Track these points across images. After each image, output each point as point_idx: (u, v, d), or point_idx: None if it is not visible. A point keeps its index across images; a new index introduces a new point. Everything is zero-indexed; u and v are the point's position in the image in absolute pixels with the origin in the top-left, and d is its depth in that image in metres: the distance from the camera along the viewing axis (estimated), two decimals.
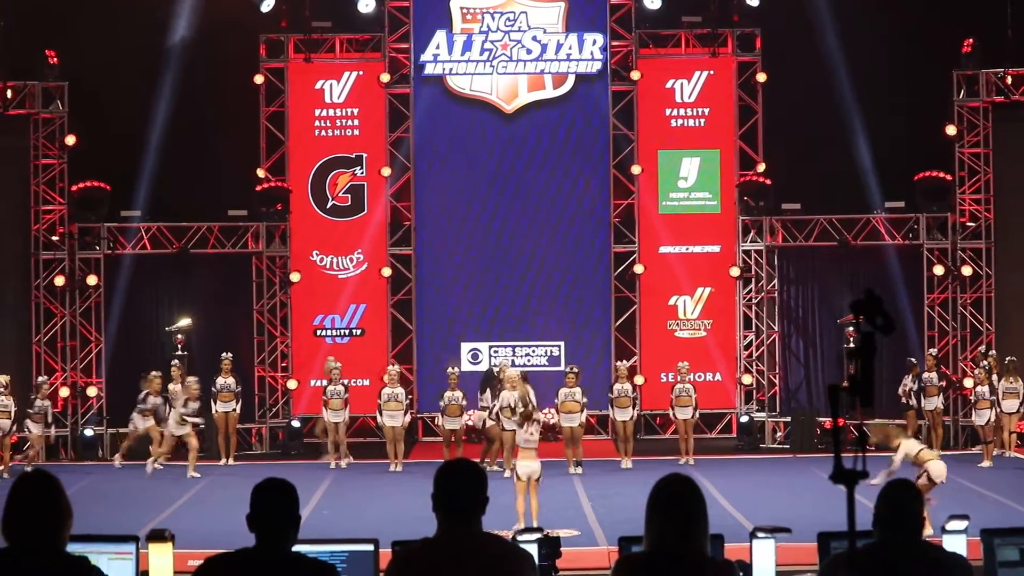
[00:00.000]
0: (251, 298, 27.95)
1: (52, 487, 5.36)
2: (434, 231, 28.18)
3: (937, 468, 15.95)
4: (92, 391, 27.01)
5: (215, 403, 25.36)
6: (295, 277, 27.73)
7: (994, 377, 24.98)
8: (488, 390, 24.53)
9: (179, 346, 27.06)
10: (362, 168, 28.08)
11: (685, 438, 24.67)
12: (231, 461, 25.07)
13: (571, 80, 28.04)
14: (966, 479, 22.07)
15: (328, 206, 28.03)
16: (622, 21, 28.10)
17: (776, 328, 28.05)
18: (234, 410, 25.57)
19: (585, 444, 24.30)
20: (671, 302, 28.13)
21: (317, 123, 28.11)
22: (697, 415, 25.11)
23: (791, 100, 26.99)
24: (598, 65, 27.92)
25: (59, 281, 27.03)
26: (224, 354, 25.81)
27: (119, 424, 25.90)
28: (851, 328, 25.49)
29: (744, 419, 27.33)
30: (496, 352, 27.53)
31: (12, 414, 24.24)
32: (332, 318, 27.98)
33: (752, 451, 26.57)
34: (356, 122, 28.15)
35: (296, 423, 27.03)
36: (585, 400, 23.90)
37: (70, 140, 27.05)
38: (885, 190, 27.31)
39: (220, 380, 25.51)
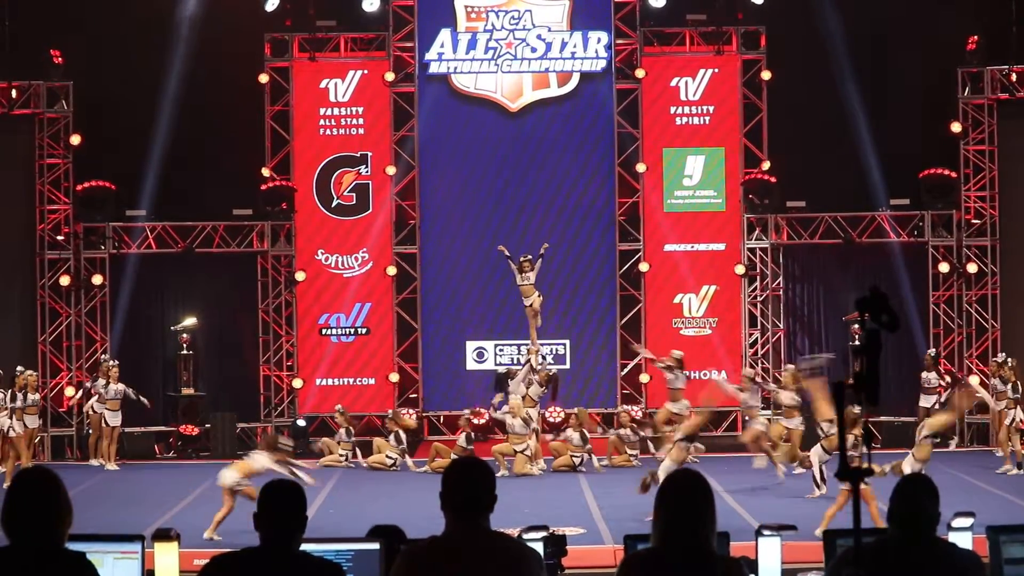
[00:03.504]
0: (256, 297, 27.96)
1: (51, 484, 5.37)
2: (439, 230, 28.18)
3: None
4: None
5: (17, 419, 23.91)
6: (300, 276, 27.75)
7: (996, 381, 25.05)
8: (503, 390, 24.68)
9: (184, 345, 27.12)
10: (367, 167, 28.09)
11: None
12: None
13: (576, 78, 28.04)
14: (971, 476, 22.07)
15: (333, 205, 28.04)
16: (627, 19, 28.08)
17: (781, 326, 28.04)
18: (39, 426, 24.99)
19: (591, 442, 24.40)
20: (676, 300, 28.12)
21: (322, 122, 28.11)
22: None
23: (795, 98, 26.99)
24: (603, 63, 27.91)
25: (64, 281, 27.05)
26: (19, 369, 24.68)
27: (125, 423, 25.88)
28: (856, 325, 25.58)
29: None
30: (501, 351, 27.56)
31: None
32: (337, 317, 27.98)
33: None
34: (361, 121, 28.15)
35: (301, 422, 27.05)
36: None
37: (75, 140, 27.08)
38: (890, 188, 27.28)
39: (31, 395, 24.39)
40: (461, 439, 23.66)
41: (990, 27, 27.12)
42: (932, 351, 26.23)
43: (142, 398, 25.34)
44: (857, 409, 18.08)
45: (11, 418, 23.55)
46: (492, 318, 27.86)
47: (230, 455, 25.92)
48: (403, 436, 24.56)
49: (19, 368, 24.60)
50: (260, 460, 17.85)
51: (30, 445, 24.43)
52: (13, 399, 23.72)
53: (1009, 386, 24.11)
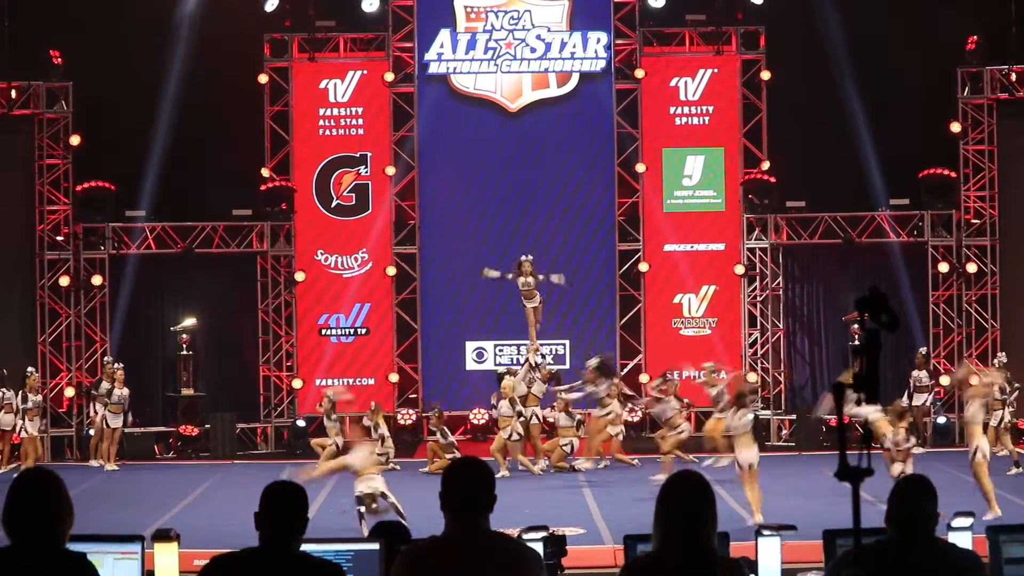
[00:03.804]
0: (256, 298, 27.97)
1: (52, 485, 5.38)
2: (438, 230, 28.19)
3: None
4: None
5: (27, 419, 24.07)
6: (300, 276, 27.75)
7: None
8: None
9: (184, 346, 27.11)
10: (366, 167, 28.09)
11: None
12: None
13: (575, 78, 28.04)
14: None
15: (333, 205, 28.05)
16: (626, 19, 28.08)
17: (781, 326, 28.04)
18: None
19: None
20: (676, 300, 28.13)
21: (321, 122, 28.12)
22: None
23: (795, 98, 26.99)
24: (602, 63, 27.92)
25: (64, 281, 27.06)
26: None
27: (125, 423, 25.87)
28: (856, 326, 25.62)
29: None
30: (501, 351, 27.55)
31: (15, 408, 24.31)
32: (337, 317, 27.99)
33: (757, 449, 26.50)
34: (360, 121, 28.16)
35: (301, 422, 27.05)
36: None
37: (74, 140, 27.09)
38: (889, 187, 27.30)
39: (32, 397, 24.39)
40: (439, 438, 23.78)
41: (990, 27, 27.14)
42: (923, 349, 26.30)
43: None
44: (904, 401, 18.29)
45: (23, 419, 23.46)
46: (492, 318, 27.86)
47: (230, 455, 26.02)
48: (383, 425, 24.52)
49: (29, 369, 24.71)
50: (378, 481, 17.87)
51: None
52: (24, 400, 23.64)
53: (997, 387, 24.09)
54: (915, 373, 26.04)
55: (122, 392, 25.16)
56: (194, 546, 10.65)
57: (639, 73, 28.03)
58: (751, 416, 18.33)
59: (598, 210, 28.14)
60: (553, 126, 28.09)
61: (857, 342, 23.19)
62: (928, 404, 26.11)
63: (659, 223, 28.08)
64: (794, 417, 27.20)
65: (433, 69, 27.94)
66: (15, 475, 5.60)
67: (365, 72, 28.15)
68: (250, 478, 22.51)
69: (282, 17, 27.73)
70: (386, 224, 28.08)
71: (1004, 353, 25.82)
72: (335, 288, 28.00)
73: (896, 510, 5.93)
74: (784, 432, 27.50)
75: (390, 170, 27.95)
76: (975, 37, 27.22)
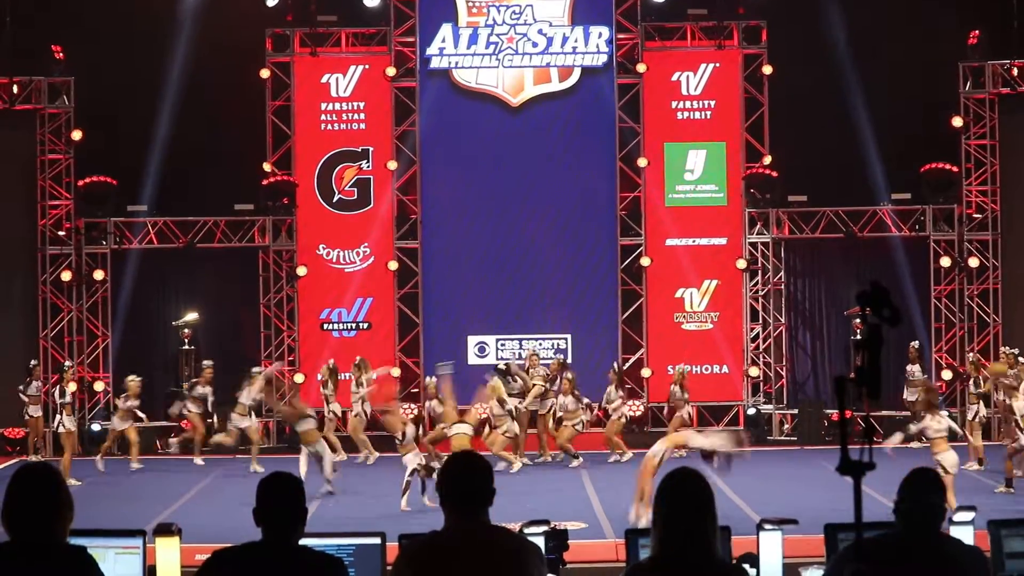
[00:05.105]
0: (258, 292, 27.97)
1: (52, 479, 5.38)
2: (440, 225, 28.18)
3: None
4: (99, 386, 27.05)
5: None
6: (302, 271, 27.75)
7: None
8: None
9: (186, 341, 27.12)
10: (368, 162, 28.08)
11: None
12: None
13: (577, 73, 28.02)
14: (972, 470, 22.07)
15: (334, 200, 28.04)
16: (628, 14, 28.07)
17: (783, 320, 28.04)
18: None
19: (590, 437, 24.44)
20: (678, 295, 28.11)
21: (323, 117, 28.11)
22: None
23: (797, 92, 26.96)
24: (604, 58, 27.90)
25: (66, 276, 27.07)
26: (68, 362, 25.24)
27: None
28: (858, 320, 25.69)
29: (751, 411, 27.34)
30: (503, 346, 27.56)
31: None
32: (339, 312, 27.99)
33: (759, 443, 26.54)
34: (362, 116, 28.14)
35: None
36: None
37: (76, 135, 27.09)
38: (891, 182, 27.30)
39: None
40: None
41: (991, 22, 27.12)
42: (915, 343, 26.15)
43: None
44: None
45: (60, 413, 23.27)
46: (494, 313, 27.85)
47: (232, 450, 25.98)
48: (365, 381, 24.62)
49: (67, 363, 24.68)
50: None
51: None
52: (62, 395, 23.43)
53: (972, 381, 24.02)
54: (908, 368, 25.97)
55: (205, 390, 25.05)
56: (196, 540, 10.65)
57: (641, 68, 28.00)
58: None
59: (600, 204, 28.11)
60: (555, 121, 28.07)
61: (859, 336, 23.24)
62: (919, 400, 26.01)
63: (661, 217, 28.07)
64: (796, 412, 27.20)
65: (435, 64, 27.93)
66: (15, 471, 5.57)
67: (367, 67, 28.14)
68: (252, 473, 22.57)
69: (284, 12, 27.73)
70: (388, 219, 28.07)
71: (1007, 347, 25.78)
72: (337, 283, 28.00)
73: (905, 504, 5.92)
74: (786, 426, 27.50)
75: (392, 165, 27.94)
76: (977, 32, 27.20)
